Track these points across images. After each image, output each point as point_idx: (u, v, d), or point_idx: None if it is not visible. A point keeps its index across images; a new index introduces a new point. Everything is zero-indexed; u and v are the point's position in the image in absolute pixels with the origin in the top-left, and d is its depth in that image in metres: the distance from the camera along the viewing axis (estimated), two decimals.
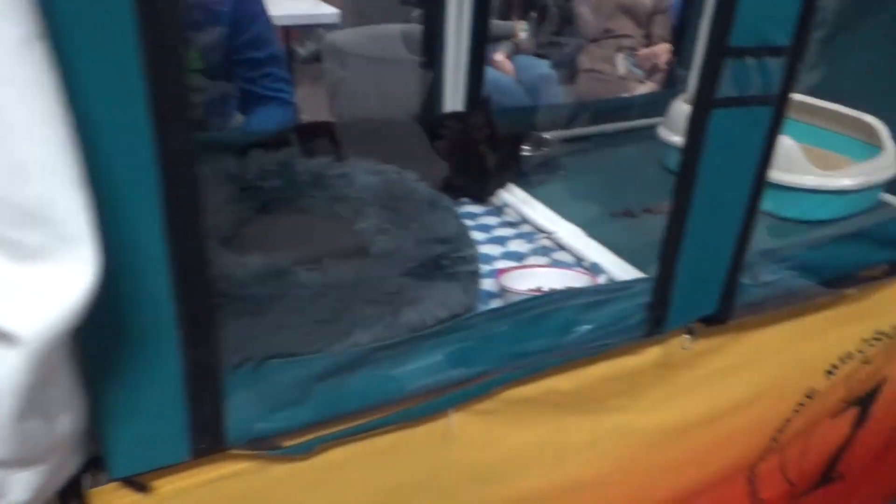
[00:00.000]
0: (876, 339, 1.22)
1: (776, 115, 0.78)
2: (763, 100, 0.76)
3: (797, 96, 1.36)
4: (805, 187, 1.13)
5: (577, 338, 0.80)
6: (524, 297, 0.85)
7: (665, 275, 0.81)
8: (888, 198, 1.26)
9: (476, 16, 1.35)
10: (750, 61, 0.72)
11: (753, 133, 0.78)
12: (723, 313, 0.91)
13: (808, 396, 1.19)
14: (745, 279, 0.92)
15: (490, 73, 2.83)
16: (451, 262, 0.74)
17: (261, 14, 1.65)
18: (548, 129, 1.50)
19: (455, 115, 1.33)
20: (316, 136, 1.15)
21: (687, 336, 0.90)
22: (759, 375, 1.09)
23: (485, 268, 1.02)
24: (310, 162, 0.91)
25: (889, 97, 1.22)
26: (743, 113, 0.75)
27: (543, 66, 2.78)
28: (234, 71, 1.65)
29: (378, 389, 0.69)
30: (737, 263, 0.87)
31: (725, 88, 0.72)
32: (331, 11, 3.01)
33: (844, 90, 1.29)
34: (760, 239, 1.11)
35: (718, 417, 1.07)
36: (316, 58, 2.85)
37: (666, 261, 0.81)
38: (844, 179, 1.13)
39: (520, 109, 1.68)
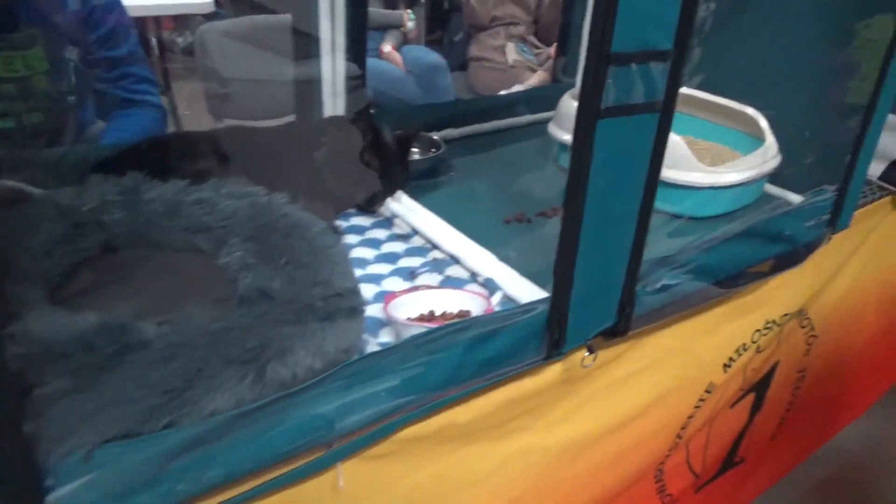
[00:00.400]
0: (767, 328, 1.24)
1: (663, 122, 0.74)
2: (650, 107, 0.72)
3: (683, 90, 1.36)
4: (693, 184, 1.12)
5: (471, 372, 0.74)
6: (412, 327, 0.79)
7: (560, 298, 0.77)
8: (771, 188, 1.27)
9: (352, 5, 1.26)
10: (634, 67, 0.68)
11: (641, 141, 0.74)
12: (622, 325, 0.88)
13: (708, 391, 1.19)
14: (642, 288, 0.89)
15: (379, 65, 2.75)
16: (326, 300, 0.66)
17: (114, 6, 1.48)
18: (437, 129, 1.44)
19: (335, 121, 1.23)
20: (174, 150, 1.03)
21: (587, 354, 0.85)
22: (661, 378, 1.08)
23: (373, 290, 0.95)
24: (162, 187, 0.79)
25: (768, 89, 1.23)
26: (630, 121, 0.71)
27: (433, 56, 2.71)
28: (89, 72, 1.48)
29: (247, 457, 0.60)
30: (633, 274, 0.84)
31: (611, 97, 0.68)
32: (204, 0, 2.82)
33: (728, 83, 1.30)
34: (651, 240, 1.11)
35: (624, 424, 1.05)
36: (191, 51, 2.65)
37: (560, 283, 0.76)
38: (731, 174, 1.13)
39: (407, 108, 1.60)
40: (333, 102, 1.28)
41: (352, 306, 0.69)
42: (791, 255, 1.10)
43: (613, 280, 0.83)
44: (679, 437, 1.20)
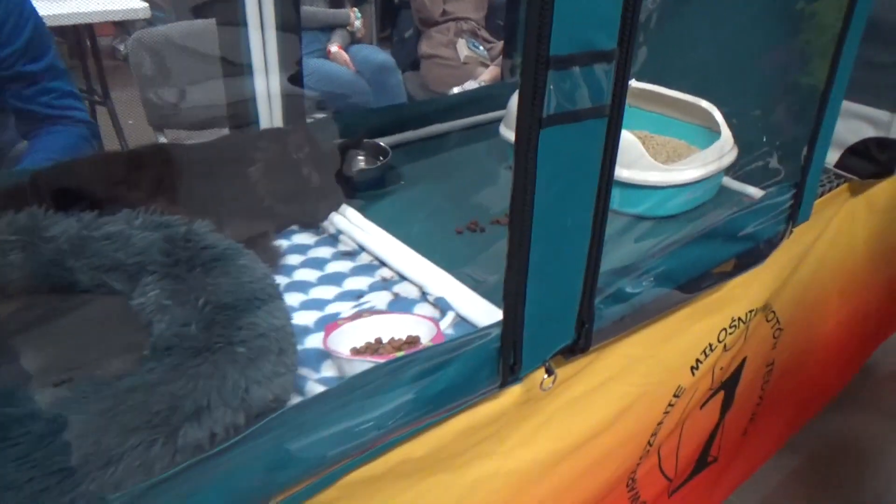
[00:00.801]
0: (733, 326, 1.20)
1: (612, 126, 0.68)
2: (596, 112, 0.66)
3: (637, 84, 1.32)
4: (651, 184, 1.07)
5: (421, 408, 0.68)
6: (355, 362, 0.72)
7: (513, 321, 0.71)
8: (729, 182, 1.24)
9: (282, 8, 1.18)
10: (576, 70, 0.62)
11: (590, 147, 0.69)
12: (582, 342, 0.82)
13: (676, 395, 1.15)
14: (601, 301, 0.84)
15: (327, 66, 2.66)
16: (249, 345, 0.59)
17: (28, 18, 1.37)
18: (384, 135, 1.37)
19: (269, 133, 1.15)
20: (89, 174, 0.95)
21: (546, 376, 0.80)
22: (626, 388, 1.03)
23: (316, 316, 0.88)
24: (65, 222, 0.71)
25: (722, 80, 1.19)
26: (576, 128, 0.65)
27: (382, 55, 2.63)
28: (5, 89, 1.37)
29: None
30: (590, 288, 0.78)
31: (552, 103, 0.62)
32: (140, 6, 2.69)
33: (680, 76, 1.26)
34: (611, 244, 1.06)
35: (591, 438, 1.00)
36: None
37: (511, 306, 0.70)
38: (689, 172, 1.08)
39: (352, 114, 1.52)
40: (269, 113, 1.20)
41: (281, 347, 0.62)
42: (753, 253, 1.07)
43: (569, 296, 0.78)
44: (650, 443, 1.16)
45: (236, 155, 1.05)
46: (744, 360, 1.34)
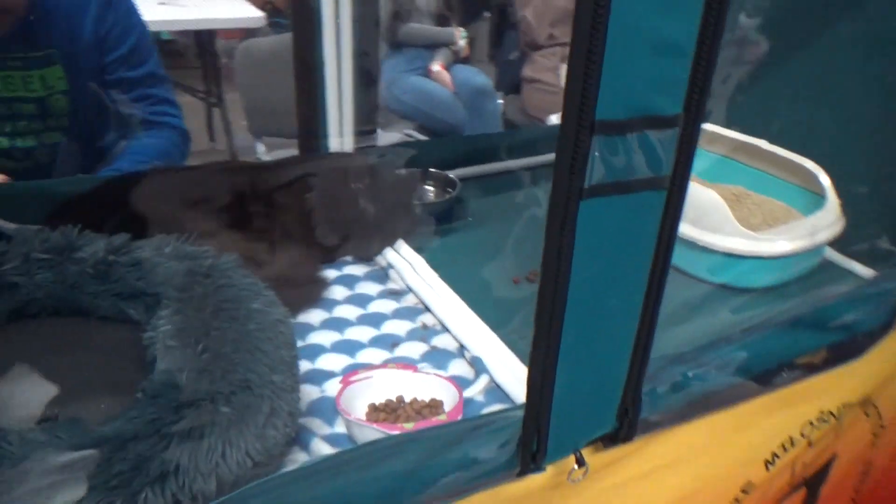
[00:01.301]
0: (822, 420, 1.05)
1: (673, 200, 0.59)
2: (653, 183, 0.57)
3: (737, 135, 1.20)
4: (734, 252, 0.96)
5: (423, 491, 0.61)
6: (364, 427, 0.67)
7: (536, 406, 0.63)
8: (833, 254, 1.09)
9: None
10: (628, 137, 0.54)
11: (643, 223, 0.60)
12: (624, 432, 0.73)
13: (745, 491, 1.02)
14: (652, 388, 0.74)
15: (426, 85, 2.65)
16: (236, 402, 0.55)
17: (134, 27, 1.43)
18: (457, 166, 1.32)
19: (331, 159, 1.13)
20: (144, 190, 0.95)
21: (576, 466, 0.71)
22: (682, 478, 0.92)
23: (345, 361, 0.83)
24: (96, 244, 0.71)
25: (828, 143, 1.05)
26: (625, 200, 0.57)
27: (481, 78, 2.59)
28: (108, 93, 1.44)
29: None
30: (637, 375, 0.69)
31: (597, 172, 0.54)
32: (256, 14, 2.80)
33: (786, 132, 1.12)
34: (682, 311, 0.95)
35: None
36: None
37: (535, 389, 0.62)
38: (781, 243, 0.96)
39: (428, 143, 1.48)
40: (340, 137, 1.18)
41: (274, 407, 0.58)
42: (849, 345, 0.92)
43: (610, 381, 0.69)
44: None
45: (295, 179, 1.03)
46: (833, 457, 1.18)
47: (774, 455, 1.02)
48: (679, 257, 1.03)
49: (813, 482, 1.18)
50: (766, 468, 1.03)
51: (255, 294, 0.67)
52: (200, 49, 3.22)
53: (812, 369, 0.92)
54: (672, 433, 0.85)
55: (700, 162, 1.25)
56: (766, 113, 1.02)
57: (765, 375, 0.86)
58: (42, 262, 0.68)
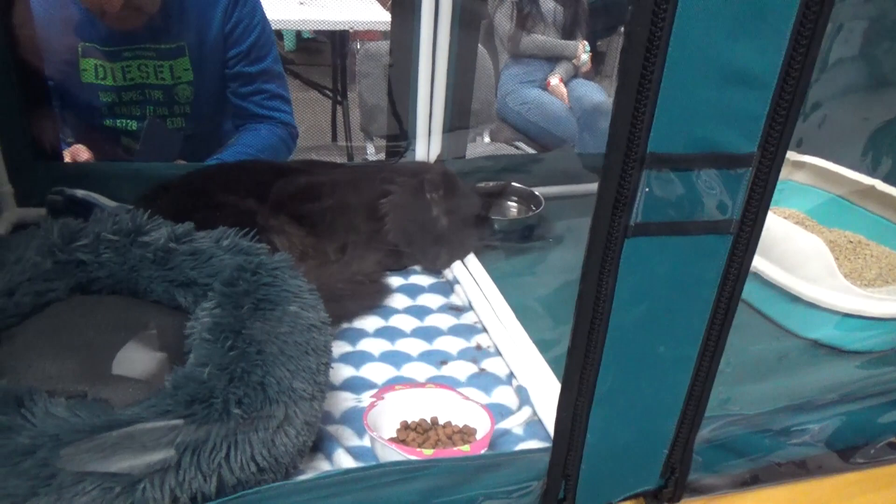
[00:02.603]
0: None
1: (740, 247, 0.53)
2: (715, 227, 0.51)
3: (860, 177, 1.07)
4: (833, 308, 0.85)
5: None
6: (387, 448, 0.65)
7: (564, 450, 0.58)
8: None
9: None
10: (689, 173, 0.48)
11: (701, 268, 0.54)
12: (668, 491, 0.66)
13: None
14: (708, 446, 0.67)
15: (542, 98, 2.60)
16: (248, 406, 0.55)
17: (257, 24, 1.50)
18: (548, 183, 1.27)
19: (409, 167, 1.12)
20: (228, 183, 0.99)
21: None
22: None
23: (389, 373, 0.82)
24: (160, 230, 0.73)
25: None
26: (680, 242, 0.51)
27: (600, 95, 2.50)
28: (227, 85, 1.52)
29: None
30: (687, 433, 0.63)
31: (647, 208, 0.49)
32: (384, 18, 2.87)
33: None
34: (772, 364, 0.87)
35: None
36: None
37: (563, 432, 0.58)
38: (890, 303, 0.84)
39: (516, 157, 1.44)
40: (427, 146, 1.17)
41: (288, 414, 0.57)
42: None
43: (656, 434, 0.63)
44: None
45: (373, 184, 1.03)
46: None
47: None
48: (769, 305, 0.94)
49: None
50: None
51: (296, 296, 0.67)
52: (332, 48, 3.35)
53: None
54: (733, 500, 0.77)
55: (806, 200, 1.13)
56: (880, 150, 0.90)
57: (851, 450, 0.76)
58: (110, 242, 0.72)
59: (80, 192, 1.00)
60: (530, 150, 2.35)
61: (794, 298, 0.88)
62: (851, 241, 1.06)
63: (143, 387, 0.60)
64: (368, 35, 4.56)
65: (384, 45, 2.23)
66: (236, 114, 1.56)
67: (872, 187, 1.04)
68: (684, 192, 0.49)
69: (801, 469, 0.76)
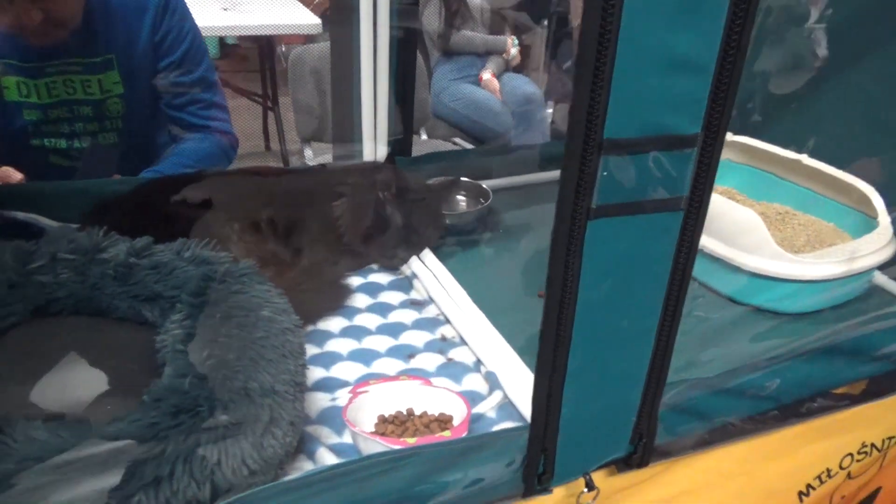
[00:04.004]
0: (863, 452, 0.99)
1: (690, 222, 0.57)
2: (668, 204, 0.55)
3: (785, 152, 1.15)
4: (772, 275, 0.92)
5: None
6: (369, 440, 0.66)
7: (542, 426, 0.61)
8: (883, 280, 1.03)
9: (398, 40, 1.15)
10: (641, 156, 0.52)
11: (657, 244, 0.58)
12: (638, 457, 0.71)
13: None
14: (669, 411, 0.71)
15: (476, 93, 2.64)
16: (235, 412, 0.55)
17: (188, 33, 1.47)
18: (492, 176, 1.30)
19: (360, 168, 1.13)
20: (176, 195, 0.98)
21: (586, 490, 0.69)
22: None
23: (359, 371, 0.83)
24: (118, 246, 0.72)
25: (883, 161, 1.00)
26: (638, 221, 0.55)
27: (531, 87, 2.56)
28: (160, 96, 1.48)
29: None
30: (652, 399, 0.67)
31: (606, 192, 0.52)
32: (313, 21, 2.85)
33: (840, 150, 1.07)
34: (714, 333, 0.92)
35: None
36: None
37: (539, 409, 0.61)
38: (822, 267, 0.91)
39: (464, 153, 1.47)
40: (374, 146, 1.18)
41: (273, 416, 0.58)
42: (891, 377, 0.87)
43: (624, 404, 0.67)
44: None
45: (325, 187, 1.04)
46: (877, 490, 1.12)
47: (809, 486, 0.98)
48: (712, 276, 1.00)
49: None
50: (800, 499, 0.98)
51: (266, 302, 0.67)
52: (261, 54, 3.30)
53: (851, 400, 0.87)
54: (695, 459, 0.82)
55: (736, 176, 1.20)
56: (813, 126, 0.97)
57: (794, 406, 0.82)
58: (67, 262, 0.71)
59: (20, 215, 0.97)
60: (467, 146, 2.39)
61: (735, 269, 0.94)
62: (780, 213, 1.14)
63: (122, 404, 0.59)
64: (292, 39, 4.51)
65: (315, 48, 2.22)
66: (172, 125, 1.53)
67: (798, 161, 1.12)
68: (638, 174, 0.53)
69: (752, 425, 0.82)
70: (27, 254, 0.70)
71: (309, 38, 4.42)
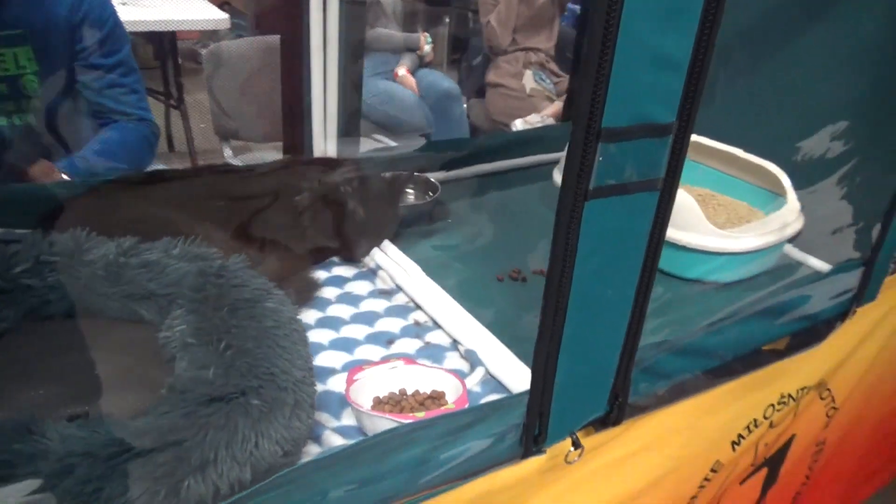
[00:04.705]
0: (782, 402, 1.13)
1: (664, 200, 0.65)
2: (648, 185, 0.63)
3: (703, 140, 1.27)
4: (705, 249, 1.03)
5: (436, 474, 0.65)
6: (375, 417, 0.70)
7: (541, 391, 0.68)
8: (792, 251, 1.17)
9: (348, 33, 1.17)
10: (629, 143, 0.59)
11: (638, 221, 0.65)
12: (614, 416, 0.78)
13: (714, 470, 1.09)
14: (638, 373, 0.80)
15: (393, 89, 2.68)
16: (263, 396, 0.58)
17: (109, 16, 1.42)
18: (435, 170, 1.36)
19: (319, 163, 1.16)
20: (140, 197, 0.96)
21: (573, 449, 0.76)
22: (659, 459, 0.98)
23: (344, 358, 0.87)
24: (106, 246, 0.72)
25: (790, 144, 1.13)
26: (624, 201, 0.62)
27: (447, 82, 2.63)
28: (80, 79, 1.43)
29: None
30: (627, 362, 0.75)
31: (601, 175, 0.59)
32: (221, 17, 2.78)
33: (749, 135, 1.20)
34: (657, 306, 1.02)
35: None
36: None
37: (540, 376, 0.67)
38: (747, 240, 1.03)
39: (404, 146, 1.51)
40: (324, 141, 1.20)
41: (297, 400, 0.60)
42: (810, 333, 1.00)
43: (604, 368, 0.74)
44: None
45: (284, 182, 1.06)
46: (792, 437, 1.26)
47: (740, 436, 1.10)
48: None
49: (774, 461, 1.27)
50: (733, 448, 1.10)
51: (268, 293, 0.70)
52: (160, 50, 3.17)
53: (776, 356, 0.99)
54: (653, 416, 0.91)
55: None
56: (729, 115, 1.09)
57: (734, 362, 0.93)
58: (52, 264, 0.69)
59: None
60: (390, 143, 2.43)
61: (673, 245, 1.04)
62: (701, 195, 1.26)
63: (139, 398, 0.60)
64: (187, 35, 4.35)
65: (234, 45, 2.18)
66: (93, 110, 1.48)
67: (715, 147, 1.24)
68: (627, 159, 0.60)
69: (702, 381, 0.92)
70: (8, 257, 0.69)
71: (205, 34, 4.28)
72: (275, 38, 2.30)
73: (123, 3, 2.79)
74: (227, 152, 2.26)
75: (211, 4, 2.93)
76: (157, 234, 0.80)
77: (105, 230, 0.78)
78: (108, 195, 0.96)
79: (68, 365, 0.63)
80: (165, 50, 3.13)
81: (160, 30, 2.77)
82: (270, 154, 2.10)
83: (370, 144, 2.33)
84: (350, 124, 1.25)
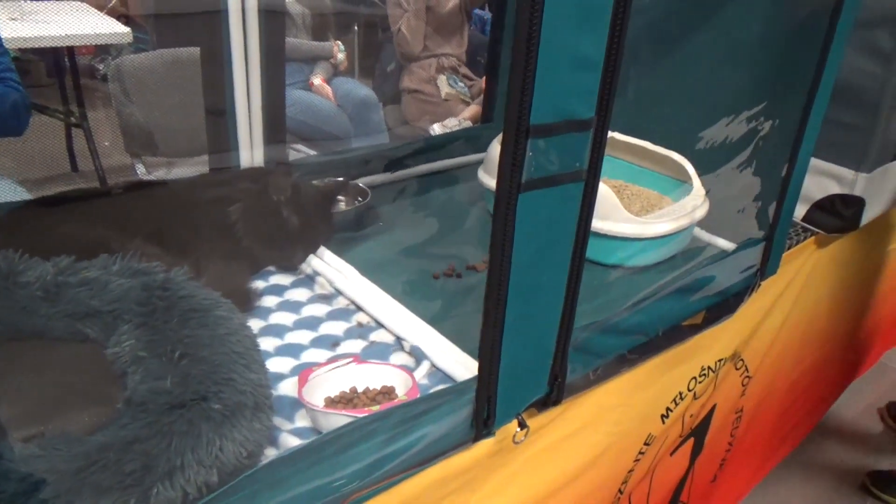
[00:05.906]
0: (703, 374, 1.22)
1: (588, 190, 0.70)
2: (573, 176, 0.68)
3: (615, 135, 1.35)
4: (625, 236, 1.10)
5: (393, 463, 0.68)
6: (330, 415, 0.72)
7: (488, 376, 0.72)
8: (700, 233, 1.27)
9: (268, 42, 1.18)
10: (555, 138, 0.64)
11: (566, 210, 0.70)
12: (555, 395, 0.83)
13: (647, 443, 1.16)
14: (574, 354, 0.85)
15: (310, 98, 2.68)
16: (224, 401, 0.59)
17: None
18: (363, 175, 1.38)
19: (250, 173, 1.16)
20: (66, 215, 0.94)
21: (519, 429, 0.81)
22: (598, 436, 1.04)
23: (291, 363, 0.88)
24: (41, 267, 0.71)
25: (694, 134, 1.23)
26: (553, 192, 0.67)
27: (364, 90, 2.65)
28: None
29: None
30: (564, 343, 0.80)
31: (531, 169, 0.64)
32: (122, 30, 2.69)
33: (655, 128, 1.29)
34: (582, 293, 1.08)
35: (564, 485, 1.01)
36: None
37: (486, 361, 0.71)
38: (662, 225, 1.11)
39: (330, 155, 1.53)
40: (250, 152, 1.21)
41: (257, 402, 0.62)
42: (722, 306, 1.09)
43: (543, 350, 0.79)
44: (620, 491, 1.17)
45: (216, 194, 1.06)
46: (713, 407, 1.36)
47: (668, 409, 1.18)
48: None
49: (699, 432, 1.36)
50: (662, 421, 1.18)
51: (216, 302, 0.70)
52: (57, 67, 3.03)
53: (695, 329, 1.07)
54: (589, 395, 0.97)
55: None
56: (638, 111, 1.17)
57: (658, 338, 1.00)
58: None
59: None
60: (310, 152, 2.42)
61: (595, 234, 1.11)
62: (615, 186, 1.34)
63: (94, 414, 0.60)
64: (88, 50, 4.17)
65: (141, 59, 2.12)
66: None
67: (625, 141, 1.33)
68: (554, 153, 0.65)
69: (631, 359, 0.99)
70: None
71: (100, 49, 4.11)
72: (184, 51, 2.26)
73: (13, 19, 2.66)
74: (140, 169, 2.19)
75: (109, 18, 2.84)
76: (90, 254, 0.79)
77: (35, 252, 0.76)
78: (32, 217, 0.94)
79: (15, 388, 0.61)
80: (62, 66, 3.00)
81: (57, 45, 2.66)
82: (191, 169, 2.05)
83: (291, 155, 2.31)
84: (276, 132, 1.26)
